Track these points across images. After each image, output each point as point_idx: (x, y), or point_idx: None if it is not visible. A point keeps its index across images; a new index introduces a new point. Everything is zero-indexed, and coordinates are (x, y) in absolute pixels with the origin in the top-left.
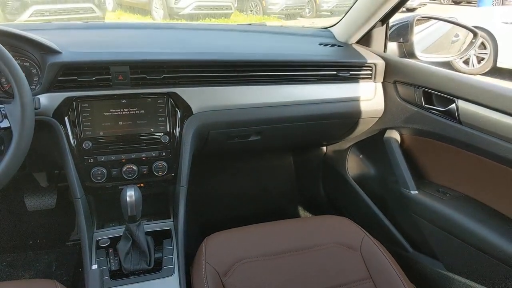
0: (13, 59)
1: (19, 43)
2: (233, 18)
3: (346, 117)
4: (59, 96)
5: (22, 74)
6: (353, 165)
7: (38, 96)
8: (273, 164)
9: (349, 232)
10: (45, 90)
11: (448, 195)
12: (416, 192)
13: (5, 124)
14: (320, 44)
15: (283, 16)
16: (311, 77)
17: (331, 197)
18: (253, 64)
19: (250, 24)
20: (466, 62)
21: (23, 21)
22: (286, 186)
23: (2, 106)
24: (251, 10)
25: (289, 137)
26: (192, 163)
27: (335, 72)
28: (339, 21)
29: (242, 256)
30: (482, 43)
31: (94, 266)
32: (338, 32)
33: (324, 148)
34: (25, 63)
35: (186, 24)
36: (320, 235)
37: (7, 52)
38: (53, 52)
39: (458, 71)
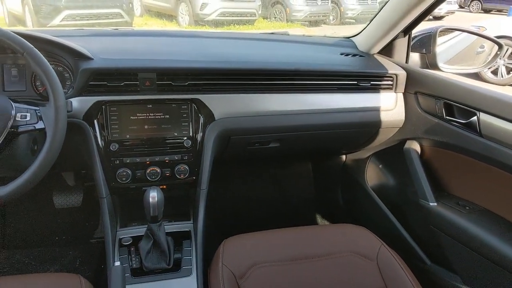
0: (49, 64)
1: (54, 49)
2: (257, 25)
3: (366, 126)
4: (90, 100)
5: (57, 79)
6: (372, 175)
7: (70, 99)
8: (292, 171)
9: (366, 241)
10: (77, 94)
11: (467, 208)
12: (435, 204)
13: (40, 125)
14: (342, 54)
15: (307, 23)
16: (332, 86)
17: (349, 205)
18: (274, 73)
19: (272, 33)
20: (495, 72)
21: (56, 25)
22: (304, 193)
23: (38, 108)
24: (275, 17)
25: (309, 144)
26: (213, 167)
27: (356, 82)
28: (361, 31)
29: (259, 260)
30: None
31: (117, 263)
32: (360, 42)
33: (344, 156)
34: (58, 68)
35: (210, 33)
36: (337, 243)
37: (44, 58)
38: (86, 58)
39: (486, 82)
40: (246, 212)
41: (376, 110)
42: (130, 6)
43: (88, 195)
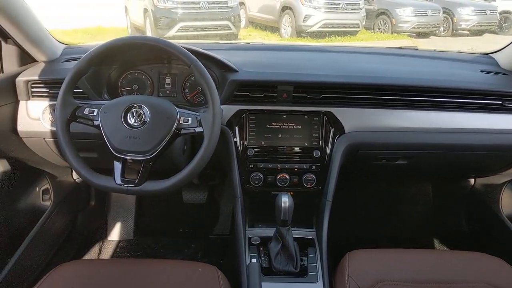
0: (210, 76)
1: (206, 62)
2: (359, 36)
3: (508, 150)
4: (233, 108)
5: (216, 89)
6: (509, 202)
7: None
8: (411, 190)
9: (504, 274)
10: (222, 102)
11: None
12: None
13: (199, 129)
14: (482, 71)
15: (414, 34)
16: (472, 105)
17: (477, 233)
18: (408, 89)
19: (401, 48)
20: None
21: (171, 36)
22: (422, 215)
23: (198, 114)
24: (378, 28)
25: (437, 165)
26: (338, 179)
27: (501, 102)
28: (504, 47)
29: (384, 278)
30: None
31: (254, 260)
32: (503, 59)
33: (472, 180)
34: None
35: (338, 47)
36: (469, 271)
37: (206, 70)
38: (232, 70)
39: None
40: (362, 226)
41: None
42: (238, 18)
43: (211, 193)
